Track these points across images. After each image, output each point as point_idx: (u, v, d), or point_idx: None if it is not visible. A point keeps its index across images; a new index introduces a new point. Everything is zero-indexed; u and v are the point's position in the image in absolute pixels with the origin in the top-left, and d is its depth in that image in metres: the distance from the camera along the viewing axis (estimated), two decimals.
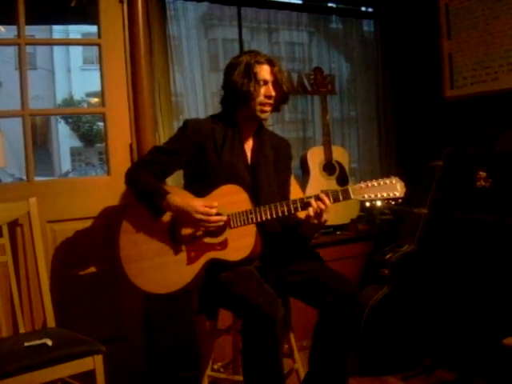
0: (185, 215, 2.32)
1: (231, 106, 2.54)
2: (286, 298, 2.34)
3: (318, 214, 2.31)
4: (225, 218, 2.32)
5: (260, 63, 2.46)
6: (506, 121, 3.54)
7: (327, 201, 2.30)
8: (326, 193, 2.32)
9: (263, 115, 2.50)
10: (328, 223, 3.64)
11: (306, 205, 2.32)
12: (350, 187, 2.32)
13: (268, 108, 2.50)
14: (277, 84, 2.49)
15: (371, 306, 3.11)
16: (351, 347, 2.41)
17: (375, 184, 2.30)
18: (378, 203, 2.32)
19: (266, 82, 2.46)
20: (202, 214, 2.29)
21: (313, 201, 2.30)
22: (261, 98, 2.46)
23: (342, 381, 2.40)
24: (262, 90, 2.46)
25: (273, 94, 2.47)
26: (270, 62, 2.49)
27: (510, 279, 2.97)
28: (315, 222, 2.33)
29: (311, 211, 2.30)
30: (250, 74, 2.43)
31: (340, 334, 2.35)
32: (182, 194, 2.41)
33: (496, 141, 3.46)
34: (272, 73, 2.48)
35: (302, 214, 2.38)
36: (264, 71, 2.47)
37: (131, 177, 2.44)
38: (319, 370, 2.40)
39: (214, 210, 2.31)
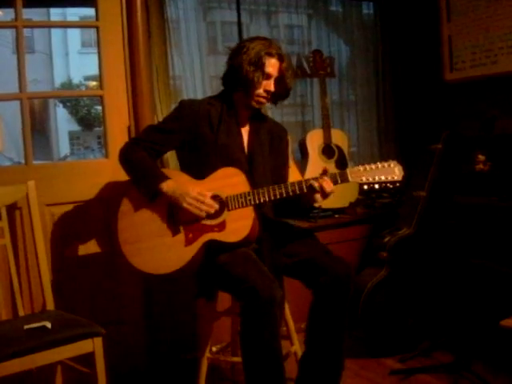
0: (177, 200, 2.32)
1: (230, 86, 2.53)
2: (281, 280, 2.35)
3: (325, 194, 2.32)
4: (216, 206, 2.32)
5: (270, 56, 2.44)
6: (506, 104, 3.53)
7: (329, 183, 2.30)
8: (326, 175, 2.31)
9: (256, 105, 2.51)
10: (327, 206, 3.70)
11: (301, 188, 2.32)
12: (348, 170, 2.32)
13: (263, 100, 2.49)
14: (280, 81, 2.49)
15: (369, 288, 3.12)
16: (346, 327, 2.42)
17: (373, 167, 2.31)
18: (376, 186, 2.32)
19: (269, 76, 2.45)
20: (195, 198, 2.30)
21: (315, 182, 2.30)
22: (260, 91, 2.45)
23: (338, 361, 2.43)
24: (264, 83, 2.45)
25: (272, 89, 2.47)
26: (280, 57, 2.48)
27: (508, 262, 2.98)
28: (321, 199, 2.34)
29: (317, 195, 2.32)
30: (258, 64, 2.41)
31: (334, 315, 2.37)
32: (179, 178, 2.41)
33: (495, 124, 3.45)
34: (279, 69, 2.47)
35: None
36: (272, 65, 2.45)
37: (125, 156, 2.44)
38: (315, 351, 2.42)
39: (208, 195, 2.33)
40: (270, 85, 2.46)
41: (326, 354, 2.40)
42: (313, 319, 2.43)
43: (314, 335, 2.43)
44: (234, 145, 2.49)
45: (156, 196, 2.35)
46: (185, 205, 2.30)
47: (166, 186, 2.33)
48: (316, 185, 2.29)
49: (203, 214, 2.32)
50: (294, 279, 2.47)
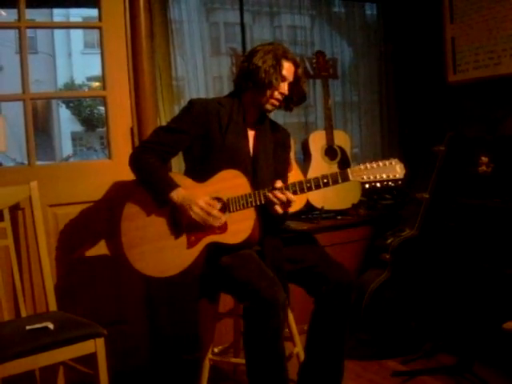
0: (185, 210, 2.31)
1: (242, 88, 2.52)
2: (285, 282, 2.35)
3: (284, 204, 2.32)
4: (223, 219, 2.32)
5: (288, 59, 2.47)
6: (509, 105, 3.53)
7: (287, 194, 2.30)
8: (286, 186, 2.32)
9: (270, 108, 2.51)
10: (329, 208, 3.69)
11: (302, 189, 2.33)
12: (349, 169, 2.30)
13: (277, 103, 2.50)
14: (295, 86, 2.51)
15: (372, 290, 3.11)
16: (347, 336, 2.42)
17: (374, 166, 2.28)
18: (378, 185, 2.30)
19: (284, 79, 2.46)
20: (202, 207, 2.30)
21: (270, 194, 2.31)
22: (275, 93, 2.46)
23: (338, 369, 2.43)
24: (280, 85, 2.46)
25: (286, 92, 2.49)
26: (295, 63, 2.50)
27: (510, 264, 2.97)
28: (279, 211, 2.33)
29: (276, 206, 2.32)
30: (277, 66, 2.42)
31: (335, 324, 2.37)
32: (183, 182, 2.40)
33: (498, 126, 3.45)
34: (294, 73, 2.50)
35: None
36: (287, 68, 2.47)
37: (137, 162, 2.41)
38: (315, 359, 2.43)
39: (217, 207, 2.33)
40: (285, 87, 2.47)
41: (325, 363, 2.40)
42: (314, 327, 2.44)
43: (314, 343, 2.43)
44: (241, 146, 2.48)
45: (166, 203, 2.35)
46: (192, 214, 2.30)
47: (176, 196, 2.32)
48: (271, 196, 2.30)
49: (208, 224, 2.32)
50: (296, 285, 2.47)
